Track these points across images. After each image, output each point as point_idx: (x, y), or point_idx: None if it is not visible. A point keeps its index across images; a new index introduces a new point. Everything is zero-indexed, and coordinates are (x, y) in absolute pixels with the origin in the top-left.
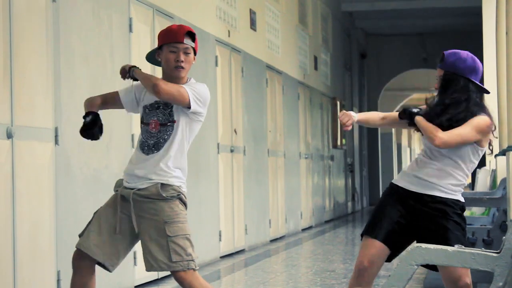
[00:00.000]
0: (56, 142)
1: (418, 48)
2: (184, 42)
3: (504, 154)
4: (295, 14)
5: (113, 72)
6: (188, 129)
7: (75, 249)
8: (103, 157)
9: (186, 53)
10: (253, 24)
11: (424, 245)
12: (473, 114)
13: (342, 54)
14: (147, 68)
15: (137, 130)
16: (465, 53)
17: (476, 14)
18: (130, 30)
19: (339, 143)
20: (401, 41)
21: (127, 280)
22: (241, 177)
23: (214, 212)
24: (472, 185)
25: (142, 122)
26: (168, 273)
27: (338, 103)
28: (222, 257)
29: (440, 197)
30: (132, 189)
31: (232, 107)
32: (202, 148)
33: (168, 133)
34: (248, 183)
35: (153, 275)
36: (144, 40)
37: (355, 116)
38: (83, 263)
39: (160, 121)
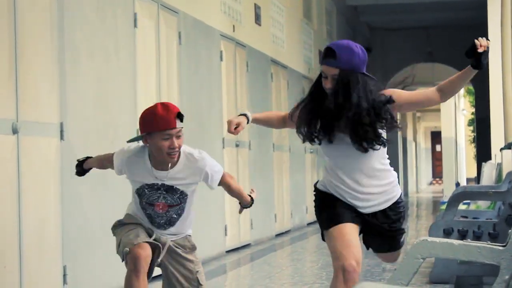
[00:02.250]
0: (62, 137)
1: (423, 42)
2: (177, 126)
3: (509, 148)
4: (299, 8)
5: (118, 67)
6: (195, 192)
7: (132, 249)
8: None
9: (178, 136)
10: (257, 19)
11: (430, 239)
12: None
13: None
14: (151, 65)
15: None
16: (353, 44)
17: (481, 8)
18: (135, 25)
19: None
20: (406, 35)
21: None
22: (246, 172)
23: (219, 207)
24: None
25: (140, 196)
26: None
27: None
28: (228, 251)
29: None
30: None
31: (237, 101)
32: (207, 143)
33: (179, 211)
34: (254, 178)
35: (159, 271)
36: (149, 35)
37: (249, 116)
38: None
39: (168, 203)
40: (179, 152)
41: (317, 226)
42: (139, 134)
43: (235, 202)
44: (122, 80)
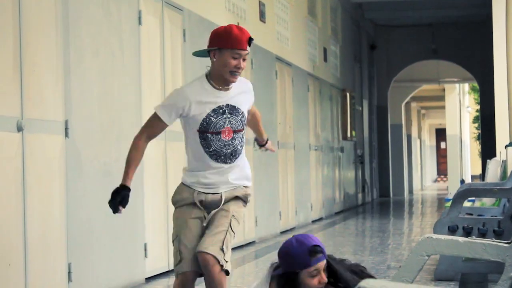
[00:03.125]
0: (66, 135)
1: (428, 40)
2: (247, 49)
3: None
4: (304, 5)
5: (123, 65)
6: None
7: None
8: (113, 150)
9: (244, 59)
10: (262, 16)
11: (435, 236)
12: None
13: (352, 45)
14: (156, 62)
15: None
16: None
17: (485, 5)
18: (139, 22)
19: (349, 134)
20: (410, 32)
21: (138, 272)
22: (251, 169)
23: None
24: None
25: (204, 132)
26: None
27: (348, 94)
28: (233, 249)
29: None
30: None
31: None
32: None
33: (242, 142)
34: (258, 175)
35: (164, 267)
36: (154, 33)
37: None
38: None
39: (233, 128)
40: None
41: (321, 223)
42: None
43: None
44: (127, 77)
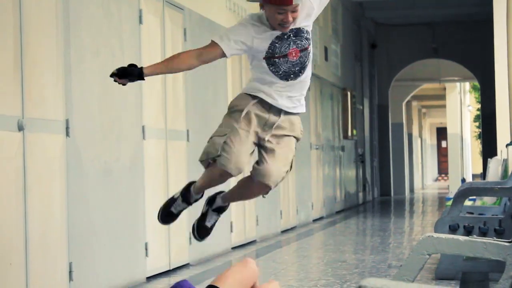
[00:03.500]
0: (67, 134)
1: (429, 38)
2: (293, 3)
3: None
4: None
5: (123, 64)
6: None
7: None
8: (114, 149)
9: (294, 11)
10: None
11: (436, 235)
12: None
13: (352, 44)
14: (156, 61)
15: (147, 121)
16: None
17: (486, 4)
18: (140, 22)
19: (349, 133)
20: (411, 31)
21: (139, 271)
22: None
23: None
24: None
25: (272, 57)
26: (180, 264)
27: (349, 93)
28: (234, 248)
29: None
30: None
31: None
32: None
33: (308, 55)
34: None
35: (165, 267)
36: (154, 32)
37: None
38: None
39: (299, 47)
40: None
41: (322, 222)
42: (145, 127)
43: None
44: None
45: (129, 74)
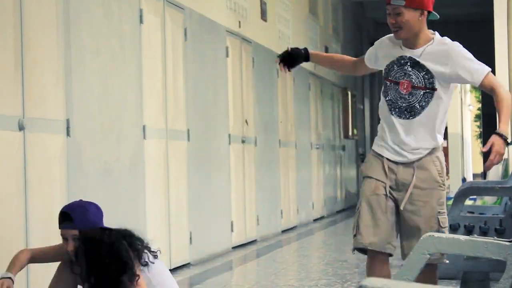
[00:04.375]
0: (68, 134)
1: None
2: (391, 2)
3: None
4: (305, 4)
5: (124, 64)
6: (448, 96)
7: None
8: (114, 149)
9: (397, 14)
10: (263, 15)
11: (436, 234)
12: None
13: (353, 44)
14: (157, 61)
15: (148, 121)
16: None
17: (487, 4)
18: (141, 21)
19: (350, 133)
20: None
21: None
22: (252, 168)
23: (225, 203)
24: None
25: (386, 78)
26: (180, 263)
27: (349, 93)
28: (234, 247)
29: None
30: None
31: (243, 98)
32: (213, 139)
33: (423, 102)
34: (260, 174)
35: (166, 266)
36: (155, 32)
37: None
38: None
39: (413, 82)
40: (433, 37)
41: (323, 221)
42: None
43: (241, 197)
44: (128, 76)
45: (297, 56)
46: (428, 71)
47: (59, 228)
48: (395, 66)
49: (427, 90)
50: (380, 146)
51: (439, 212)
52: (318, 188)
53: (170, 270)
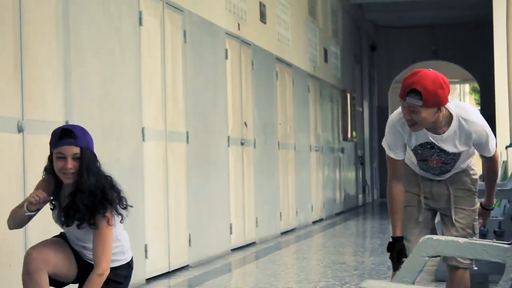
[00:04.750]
0: None
1: (428, 40)
2: (407, 100)
3: None
4: (304, 6)
5: (123, 66)
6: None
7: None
8: (113, 151)
9: (413, 111)
10: (263, 17)
11: (435, 237)
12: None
13: (352, 46)
14: (156, 63)
15: (147, 123)
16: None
17: (486, 6)
18: (140, 23)
19: (349, 135)
20: (411, 33)
21: (139, 273)
22: (251, 170)
23: (224, 205)
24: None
25: (415, 154)
26: (179, 265)
27: (348, 95)
28: (233, 250)
29: None
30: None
31: (242, 100)
32: (212, 141)
33: (454, 163)
34: (259, 176)
35: (165, 268)
36: (154, 34)
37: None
38: None
39: (442, 160)
40: (452, 116)
41: (322, 224)
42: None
43: (240, 200)
44: (127, 78)
45: (395, 251)
46: (453, 154)
47: (58, 146)
48: (419, 150)
49: (455, 157)
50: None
51: (474, 219)
52: (317, 190)
53: (169, 272)
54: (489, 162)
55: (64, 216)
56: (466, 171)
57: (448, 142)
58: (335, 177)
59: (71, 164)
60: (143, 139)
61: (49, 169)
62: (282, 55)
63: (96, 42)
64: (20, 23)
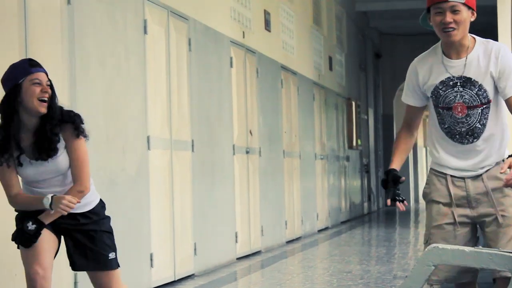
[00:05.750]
0: None
1: None
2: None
3: None
4: (309, 14)
5: (128, 74)
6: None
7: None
8: (119, 160)
9: (454, 11)
10: (267, 25)
11: (441, 246)
12: None
13: (357, 54)
14: (161, 71)
15: (152, 132)
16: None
17: (491, 13)
18: (145, 31)
19: (354, 143)
20: (415, 41)
21: (144, 282)
22: (256, 179)
23: (230, 214)
24: None
25: (437, 106)
26: (185, 274)
27: (353, 103)
28: (239, 258)
29: None
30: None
31: (247, 108)
32: (217, 149)
33: (483, 119)
34: (264, 184)
35: (170, 277)
36: (159, 42)
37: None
38: None
39: (466, 103)
40: (474, 40)
41: (328, 232)
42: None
43: (245, 208)
44: (132, 86)
45: (390, 176)
46: (480, 86)
47: (33, 72)
48: (441, 90)
49: (483, 106)
50: (441, 166)
51: None
52: (322, 198)
53: (174, 281)
54: None
55: (43, 151)
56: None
57: (472, 67)
58: (340, 186)
59: (48, 90)
60: (149, 148)
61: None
62: (287, 63)
63: (101, 50)
64: (25, 31)
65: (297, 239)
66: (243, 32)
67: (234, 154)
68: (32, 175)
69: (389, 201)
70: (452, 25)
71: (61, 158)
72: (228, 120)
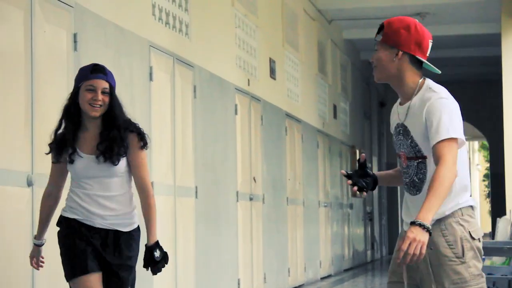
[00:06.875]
0: None
1: None
2: (375, 38)
3: None
4: (314, 63)
5: (133, 120)
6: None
7: None
8: None
9: (375, 50)
10: (272, 73)
11: None
12: None
13: (361, 102)
14: (166, 117)
15: (156, 178)
16: None
17: (496, 64)
18: (151, 78)
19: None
20: None
21: None
22: (260, 225)
23: (233, 260)
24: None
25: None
26: None
27: (357, 151)
28: None
29: None
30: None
31: (252, 155)
32: (221, 196)
33: (420, 174)
34: (267, 231)
35: None
36: (165, 89)
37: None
38: None
39: (406, 154)
40: (422, 85)
41: (330, 280)
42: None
43: (248, 254)
44: None
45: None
46: (412, 139)
47: (89, 79)
48: (394, 136)
49: (419, 160)
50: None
51: None
52: (325, 246)
53: None
54: (435, 158)
55: (107, 152)
56: (441, 228)
57: (409, 115)
58: (343, 233)
59: (100, 96)
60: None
61: (72, 110)
62: (291, 111)
63: None
64: (32, 78)
65: (300, 286)
66: (248, 80)
67: (237, 200)
68: (82, 169)
69: (349, 182)
70: (373, 65)
71: (121, 162)
72: (232, 166)
